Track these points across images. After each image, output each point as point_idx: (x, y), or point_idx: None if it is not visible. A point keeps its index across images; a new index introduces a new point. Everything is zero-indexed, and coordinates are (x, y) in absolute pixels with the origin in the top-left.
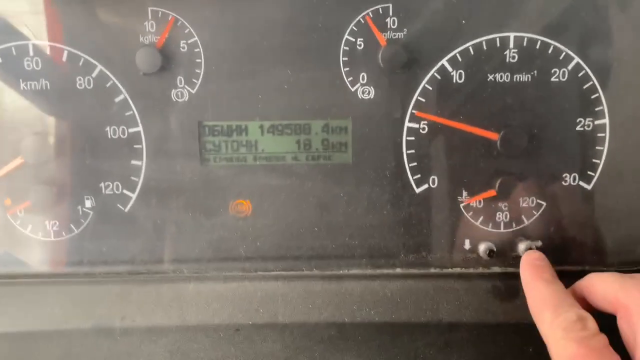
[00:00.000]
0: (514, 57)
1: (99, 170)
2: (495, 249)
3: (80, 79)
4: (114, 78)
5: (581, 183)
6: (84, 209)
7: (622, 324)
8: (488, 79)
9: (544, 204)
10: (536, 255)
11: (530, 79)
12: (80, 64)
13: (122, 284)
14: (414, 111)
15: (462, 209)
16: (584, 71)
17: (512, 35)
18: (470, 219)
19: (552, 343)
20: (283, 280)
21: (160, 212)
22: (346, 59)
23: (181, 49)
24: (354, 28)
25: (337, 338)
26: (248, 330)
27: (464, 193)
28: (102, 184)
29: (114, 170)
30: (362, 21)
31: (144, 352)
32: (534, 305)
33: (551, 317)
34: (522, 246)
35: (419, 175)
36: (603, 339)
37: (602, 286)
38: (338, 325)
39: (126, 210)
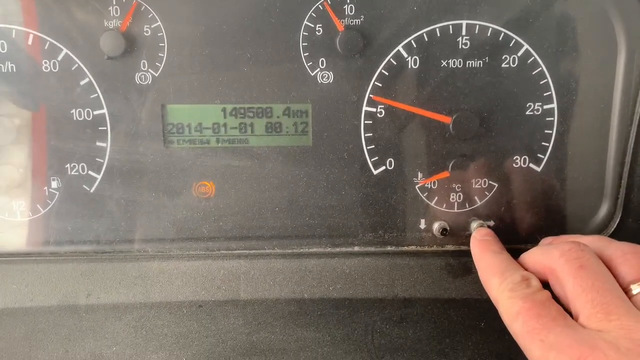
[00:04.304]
0: (466, 44)
1: (64, 151)
2: (448, 228)
3: (45, 62)
4: (79, 61)
5: (531, 165)
6: (51, 190)
7: (554, 286)
8: (442, 65)
9: (496, 185)
10: (485, 231)
11: (481, 65)
12: (46, 47)
13: (88, 262)
14: (371, 95)
15: (418, 190)
16: (533, 58)
17: (464, 22)
18: (425, 200)
19: (501, 304)
20: (245, 259)
21: (125, 193)
22: (306, 44)
23: (144, 33)
24: (313, 14)
25: (297, 313)
26: (211, 307)
27: (419, 174)
28: (68, 165)
29: (79, 151)
30: (321, 7)
31: (109, 329)
32: (483, 274)
33: (498, 281)
34: (474, 225)
35: (376, 158)
36: (546, 293)
37: (531, 260)
38: (298, 301)
39: (92, 190)
